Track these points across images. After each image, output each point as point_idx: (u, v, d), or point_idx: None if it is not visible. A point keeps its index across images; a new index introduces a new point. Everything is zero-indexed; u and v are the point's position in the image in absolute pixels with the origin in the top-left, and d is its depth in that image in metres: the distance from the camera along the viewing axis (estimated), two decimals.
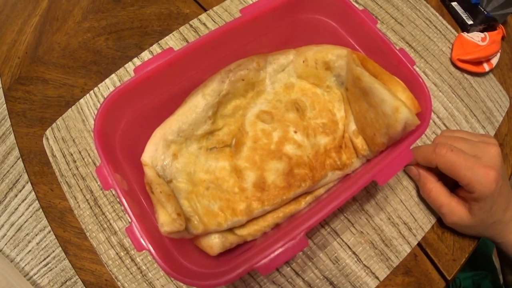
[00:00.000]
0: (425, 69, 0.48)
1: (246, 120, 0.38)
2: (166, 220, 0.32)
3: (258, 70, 0.39)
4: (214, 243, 0.36)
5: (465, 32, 0.49)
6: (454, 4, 0.51)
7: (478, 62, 0.48)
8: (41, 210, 0.44)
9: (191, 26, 0.48)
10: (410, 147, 0.32)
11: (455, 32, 0.51)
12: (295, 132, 0.37)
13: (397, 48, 0.35)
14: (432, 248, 0.42)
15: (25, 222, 0.45)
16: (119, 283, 0.40)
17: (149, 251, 0.29)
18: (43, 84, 0.47)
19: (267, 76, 0.39)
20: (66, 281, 0.43)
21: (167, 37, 0.47)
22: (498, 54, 0.48)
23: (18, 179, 0.46)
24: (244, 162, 0.37)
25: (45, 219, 0.44)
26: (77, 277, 0.42)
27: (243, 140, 0.37)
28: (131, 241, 0.32)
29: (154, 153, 0.36)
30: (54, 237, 0.44)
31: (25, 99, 0.47)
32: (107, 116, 0.33)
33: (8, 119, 0.47)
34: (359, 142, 0.37)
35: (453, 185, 0.40)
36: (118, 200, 0.43)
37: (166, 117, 0.38)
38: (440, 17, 0.51)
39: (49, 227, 0.44)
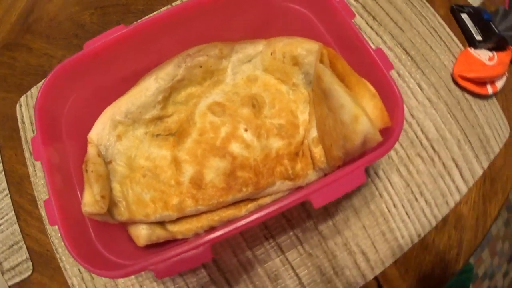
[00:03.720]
0: (420, 82, 0.39)
1: (197, 110, 0.31)
2: (89, 200, 0.27)
3: (220, 58, 0.32)
4: (142, 234, 0.30)
5: (472, 48, 0.39)
6: (464, 16, 0.41)
7: (482, 83, 0.37)
8: (3, 173, 0.41)
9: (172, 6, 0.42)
10: (364, 168, 0.24)
11: (461, 46, 0.40)
12: (246, 130, 0.30)
13: (374, 47, 0.27)
14: (390, 286, 0.33)
15: None
16: (57, 255, 0.36)
17: (58, 226, 0.26)
18: (27, 52, 0.43)
19: (229, 65, 0.32)
20: (13, 245, 0.39)
21: (147, 16, 0.42)
22: (505, 78, 0.38)
23: None
24: (185, 154, 0.30)
25: (5, 181, 0.41)
26: (23, 242, 0.38)
27: (189, 130, 0.31)
28: (46, 214, 0.28)
29: (101, 132, 0.31)
30: (10, 201, 0.40)
31: (9, 65, 0.43)
32: (52, 89, 0.30)
33: None
34: (318, 152, 0.30)
35: None
36: None
37: (119, 97, 0.32)
38: (447, 28, 0.41)
39: (8, 191, 0.41)
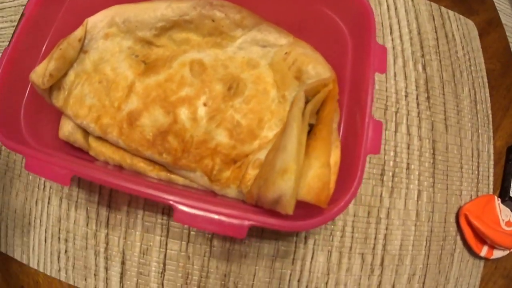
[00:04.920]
0: (423, 191, 0.31)
1: (181, 57, 0.28)
2: (39, 71, 0.26)
3: (238, 25, 0.27)
4: (65, 128, 0.29)
5: (499, 199, 0.30)
6: None
7: (482, 239, 0.29)
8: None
9: None
10: (249, 225, 0.18)
11: (491, 189, 0.31)
12: (204, 105, 0.26)
13: (373, 117, 0.21)
14: None
15: None
16: None
17: None
18: None
19: (242, 38, 0.28)
20: None
21: None
22: (507, 252, 0.29)
23: None
24: (141, 87, 0.27)
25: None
26: None
27: (160, 70, 0.27)
28: None
29: (98, 22, 0.29)
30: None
31: None
32: None
33: None
34: (251, 175, 0.25)
35: None
36: None
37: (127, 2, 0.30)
38: (492, 162, 0.32)
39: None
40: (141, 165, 0.27)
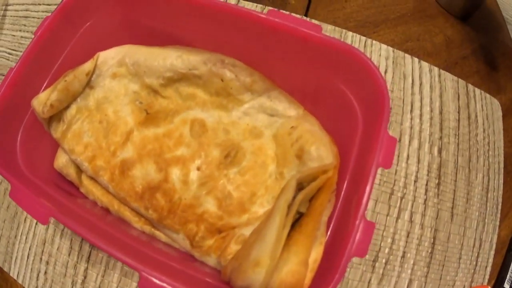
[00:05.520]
0: (415, 281, 0.28)
1: (184, 113, 0.27)
2: (41, 98, 0.26)
3: (247, 89, 0.26)
4: (60, 160, 0.29)
5: None
6: None
7: None
8: None
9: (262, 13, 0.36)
10: None
11: (486, 280, 0.29)
12: (198, 169, 0.25)
13: (366, 217, 0.19)
14: None
15: None
16: None
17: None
18: None
19: (249, 103, 0.26)
20: None
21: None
22: None
23: None
24: (138, 137, 0.26)
25: None
26: None
27: (160, 123, 0.26)
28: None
29: (109, 59, 0.29)
30: None
31: None
32: None
33: None
34: (233, 249, 0.23)
35: None
36: None
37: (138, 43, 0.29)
38: (493, 253, 0.29)
39: None
40: (127, 214, 0.26)
